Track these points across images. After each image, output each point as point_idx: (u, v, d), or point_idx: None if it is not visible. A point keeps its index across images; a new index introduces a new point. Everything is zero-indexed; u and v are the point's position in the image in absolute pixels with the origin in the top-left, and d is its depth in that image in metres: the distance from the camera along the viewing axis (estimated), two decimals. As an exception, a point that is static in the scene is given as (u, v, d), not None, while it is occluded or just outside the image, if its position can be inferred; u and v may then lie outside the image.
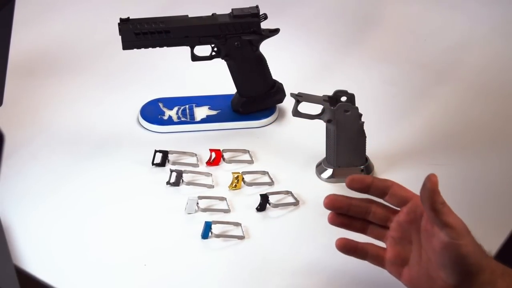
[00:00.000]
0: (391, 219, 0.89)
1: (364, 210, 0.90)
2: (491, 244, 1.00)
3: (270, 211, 1.05)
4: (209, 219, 1.02)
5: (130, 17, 1.13)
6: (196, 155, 1.13)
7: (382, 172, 1.10)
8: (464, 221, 1.03)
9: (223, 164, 1.12)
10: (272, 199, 1.05)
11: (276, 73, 1.19)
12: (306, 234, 1.02)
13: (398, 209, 0.89)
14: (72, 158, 1.13)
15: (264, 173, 1.10)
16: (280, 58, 1.26)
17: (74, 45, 1.35)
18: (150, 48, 1.14)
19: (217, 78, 1.22)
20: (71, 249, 1.00)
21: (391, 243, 0.89)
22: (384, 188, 0.88)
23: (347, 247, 0.90)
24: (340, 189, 1.08)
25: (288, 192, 1.06)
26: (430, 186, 0.81)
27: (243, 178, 1.08)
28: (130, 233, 1.02)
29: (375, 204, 0.90)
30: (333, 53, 1.34)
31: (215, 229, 1.01)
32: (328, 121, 1.06)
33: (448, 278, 0.82)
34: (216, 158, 1.12)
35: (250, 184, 1.08)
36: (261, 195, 1.05)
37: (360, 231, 0.91)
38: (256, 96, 1.18)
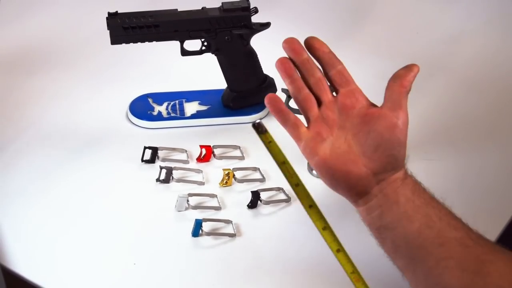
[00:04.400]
0: (327, 94, 0.87)
1: (312, 71, 0.87)
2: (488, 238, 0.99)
3: (261, 208, 1.04)
4: (200, 217, 1.01)
5: (119, 11, 1.11)
6: (186, 151, 1.12)
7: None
8: (457, 216, 1.03)
9: (213, 161, 1.11)
10: (263, 196, 1.04)
11: (267, 68, 1.18)
12: (298, 231, 1.01)
13: None
14: (60, 155, 1.12)
15: (255, 169, 1.09)
16: (271, 52, 1.24)
17: (62, 40, 1.33)
18: (139, 43, 1.12)
19: (207, 72, 1.20)
20: (59, 248, 0.99)
21: (316, 120, 0.87)
22: (334, 60, 0.87)
23: (273, 103, 0.87)
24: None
25: (279, 189, 1.05)
26: (417, 69, 0.86)
27: (234, 175, 1.07)
28: (119, 231, 1.01)
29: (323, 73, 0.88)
30: (324, 47, 1.33)
31: (206, 226, 1.00)
32: (320, 116, 1.05)
33: (373, 162, 0.83)
34: (207, 154, 1.11)
35: (241, 181, 1.07)
36: (252, 192, 1.04)
37: (297, 90, 0.87)
38: (247, 91, 1.17)
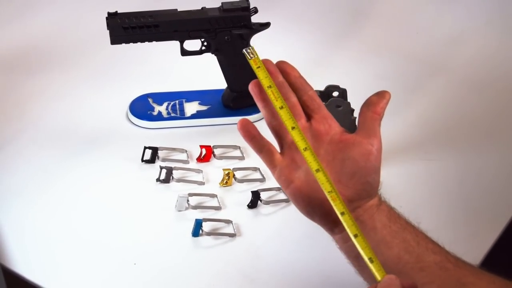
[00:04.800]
0: (302, 120, 0.85)
1: (287, 95, 0.84)
2: (485, 239, 0.99)
3: (261, 208, 1.04)
4: (200, 217, 1.01)
5: (118, 11, 1.11)
6: (186, 151, 1.12)
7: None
8: (457, 216, 1.03)
9: (213, 161, 1.11)
10: (263, 195, 1.04)
11: (267, 68, 1.18)
12: (298, 231, 1.01)
13: None
14: (60, 155, 1.12)
15: (256, 169, 1.08)
16: (271, 52, 1.24)
17: (62, 40, 1.33)
18: (139, 43, 1.12)
19: (207, 72, 1.20)
20: (59, 248, 0.99)
21: (290, 146, 0.84)
22: (305, 85, 0.85)
23: (245, 129, 0.84)
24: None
25: (279, 189, 1.05)
26: (388, 96, 0.85)
27: (234, 175, 1.07)
28: (119, 231, 1.01)
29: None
30: (325, 47, 1.33)
31: (206, 226, 1.00)
32: (320, 117, 1.05)
33: (348, 190, 0.82)
34: (207, 154, 1.11)
35: (241, 181, 1.07)
36: (252, 191, 1.04)
37: (271, 115, 0.84)
38: (247, 91, 1.17)
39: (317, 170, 0.81)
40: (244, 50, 0.84)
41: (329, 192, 0.80)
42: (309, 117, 0.85)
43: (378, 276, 0.77)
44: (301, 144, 0.82)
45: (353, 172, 0.82)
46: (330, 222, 0.83)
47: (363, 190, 0.82)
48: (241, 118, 0.85)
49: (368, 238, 0.80)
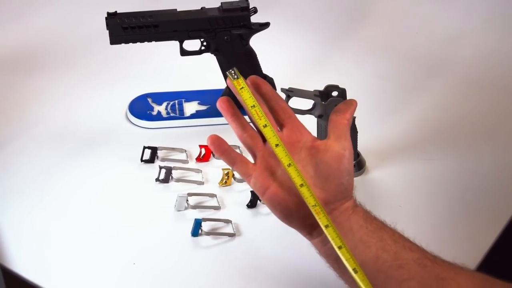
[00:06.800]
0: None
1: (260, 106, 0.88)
2: (485, 239, 0.99)
3: (261, 207, 1.04)
4: (199, 216, 1.01)
5: (118, 11, 1.11)
6: (185, 151, 1.12)
7: (374, 167, 1.09)
8: (457, 216, 1.03)
9: (213, 160, 1.11)
10: (263, 195, 1.04)
11: (267, 68, 1.18)
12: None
13: None
14: (60, 155, 1.12)
15: (255, 169, 1.08)
16: (270, 52, 1.25)
17: (62, 40, 1.33)
18: (138, 43, 1.12)
19: (206, 72, 1.20)
20: (58, 248, 0.99)
21: (262, 155, 0.87)
22: (276, 97, 0.89)
23: (216, 144, 0.87)
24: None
25: (279, 189, 1.05)
26: (355, 103, 0.88)
27: (233, 174, 1.07)
28: (118, 231, 1.01)
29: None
30: (324, 47, 1.33)
31: (205, 226, 1.00)
32: (319, 116, 1.05)
33: (324, 192, 0.84)
34: (206, 154, 1.11)
35: (241, 181, 1.07)
36: (252, 191, 1.04)
37: (242, 128, 0.87)
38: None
39: (301, 185, 0.84)
40: (227, 72, 0.88)
41: (313, 206, 0.83)
42: (281, 126, 0.88)
43: (363, 286, 0.80)
44: (285, 160, 0.85)
45: (327, 175, 0.84)
46: (308, 225, 0.85)
47: (338, 192, 0.84)
48: (210, 134, 0.88)
49: (346, 240, 0.83)
